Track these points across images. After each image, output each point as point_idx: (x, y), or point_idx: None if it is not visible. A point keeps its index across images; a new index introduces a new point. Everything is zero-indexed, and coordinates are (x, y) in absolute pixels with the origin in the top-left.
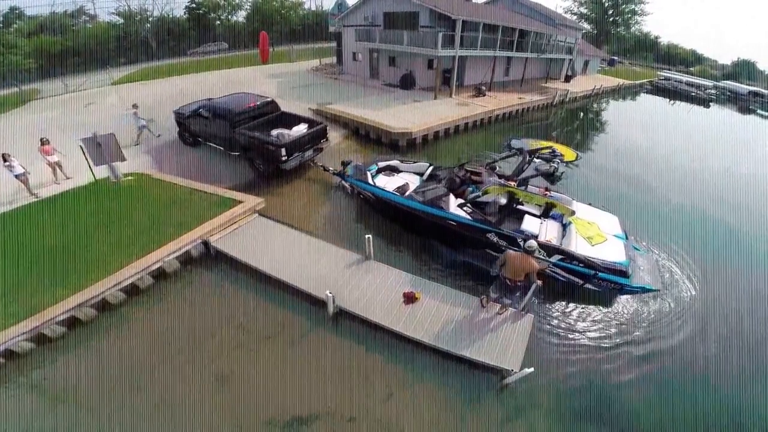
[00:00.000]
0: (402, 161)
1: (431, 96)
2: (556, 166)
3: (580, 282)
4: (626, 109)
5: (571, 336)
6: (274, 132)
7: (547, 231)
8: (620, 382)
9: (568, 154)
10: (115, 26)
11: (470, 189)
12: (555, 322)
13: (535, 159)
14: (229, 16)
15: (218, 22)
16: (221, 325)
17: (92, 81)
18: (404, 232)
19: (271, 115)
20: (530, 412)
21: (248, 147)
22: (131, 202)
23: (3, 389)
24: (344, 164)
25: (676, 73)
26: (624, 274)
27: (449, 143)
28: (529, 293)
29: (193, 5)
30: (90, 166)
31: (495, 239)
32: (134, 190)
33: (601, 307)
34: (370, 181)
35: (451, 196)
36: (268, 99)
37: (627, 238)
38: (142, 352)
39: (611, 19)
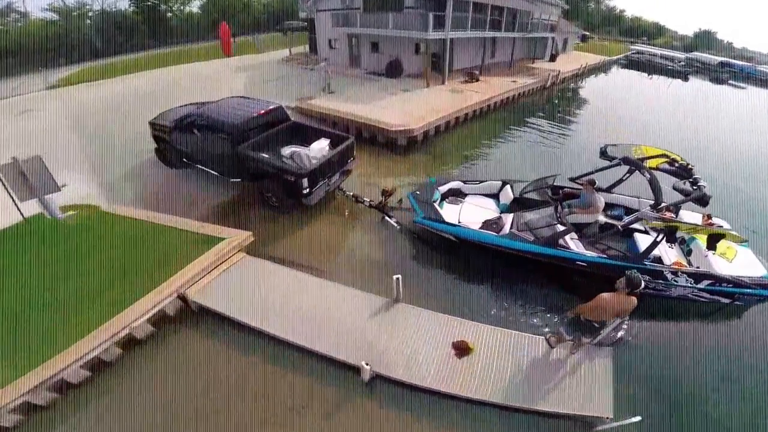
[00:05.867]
0: (465, 182)
1: (420, 84)
2: (702, 184)
3: (727, 301)
4: (620, 87)
5: (676, 367)
6: (286, 150)
7: (667, 252)
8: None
9: (679, 159)
10: (52, 23)
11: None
12: (647, 350)
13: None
14: (182, 7)
15: (170, 14)
16: (227, 399)
17: (27, 85)
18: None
19: (279, 126)
20: None
21: (258, 175)
22: (78, 249)
23: None
24: (385, 194)
25: (646, 46)
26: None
27: (451, 137)
28: (609, 327)
29: None
30: (15, 202)
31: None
32: (81, 230)
33: (710, 323)
34: (440, 213)
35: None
36: (275, 105)
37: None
38: None
39: None
